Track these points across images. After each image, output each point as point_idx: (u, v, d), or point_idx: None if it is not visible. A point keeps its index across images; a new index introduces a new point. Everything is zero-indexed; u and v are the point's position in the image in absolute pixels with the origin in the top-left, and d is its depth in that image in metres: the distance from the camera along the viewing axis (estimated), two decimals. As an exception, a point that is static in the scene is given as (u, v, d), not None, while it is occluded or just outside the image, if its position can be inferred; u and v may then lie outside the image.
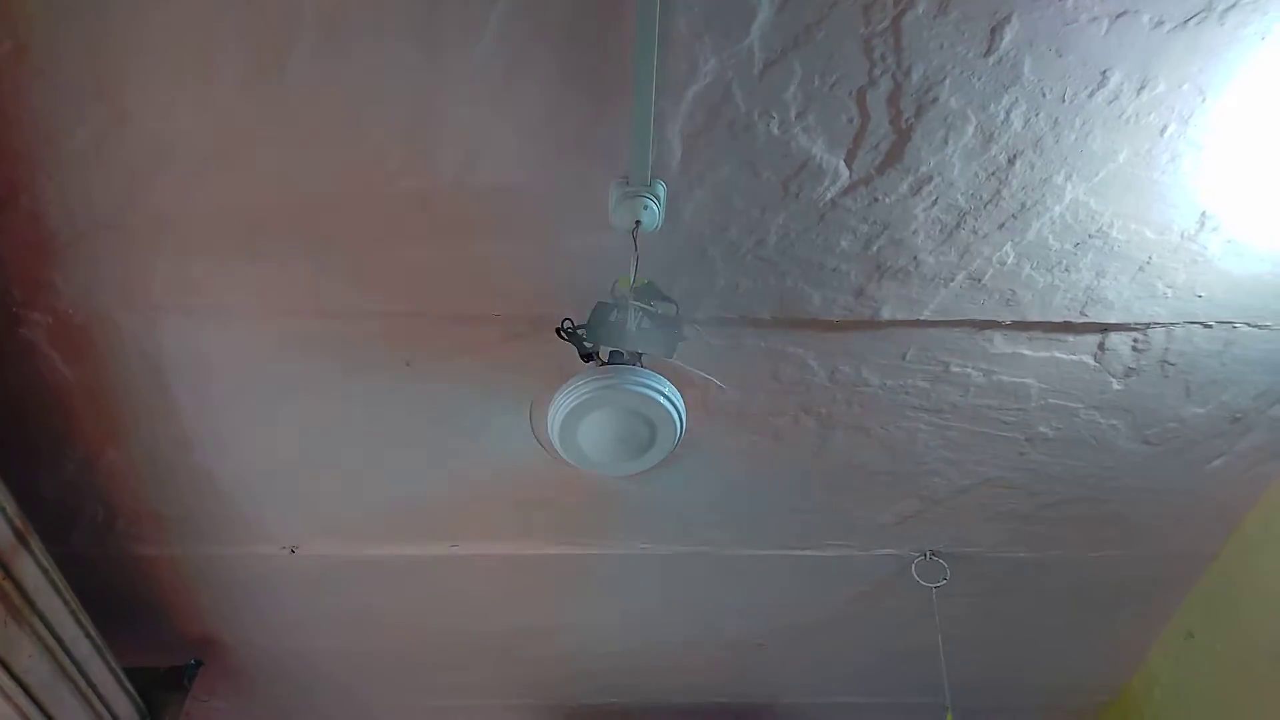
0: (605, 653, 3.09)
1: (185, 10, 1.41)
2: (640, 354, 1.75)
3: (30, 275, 1.78)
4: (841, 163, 1.65)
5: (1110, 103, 1.55)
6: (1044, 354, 2.04)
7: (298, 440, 2.19)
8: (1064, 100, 1.55)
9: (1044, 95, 1.54)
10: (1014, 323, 1.97)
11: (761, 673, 3.24)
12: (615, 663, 3.15)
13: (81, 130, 1.55)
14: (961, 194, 1.70)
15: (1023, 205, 1.72)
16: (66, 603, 2.03)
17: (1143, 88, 1.53)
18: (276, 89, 1.51)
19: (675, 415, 1.73)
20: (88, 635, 2.13)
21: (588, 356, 1.77)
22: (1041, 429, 2.23)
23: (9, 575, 1.81)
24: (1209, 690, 2.74)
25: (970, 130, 1.59)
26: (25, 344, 1.90)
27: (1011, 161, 1.64)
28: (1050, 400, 2.15)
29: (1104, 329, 1.99)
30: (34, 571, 1.90)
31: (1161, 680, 3.01)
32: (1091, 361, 2.06)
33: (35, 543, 1.90)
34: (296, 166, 1.63)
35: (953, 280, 1.87)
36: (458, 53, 1.47)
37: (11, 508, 1.82)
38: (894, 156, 1.64)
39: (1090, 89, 1.53)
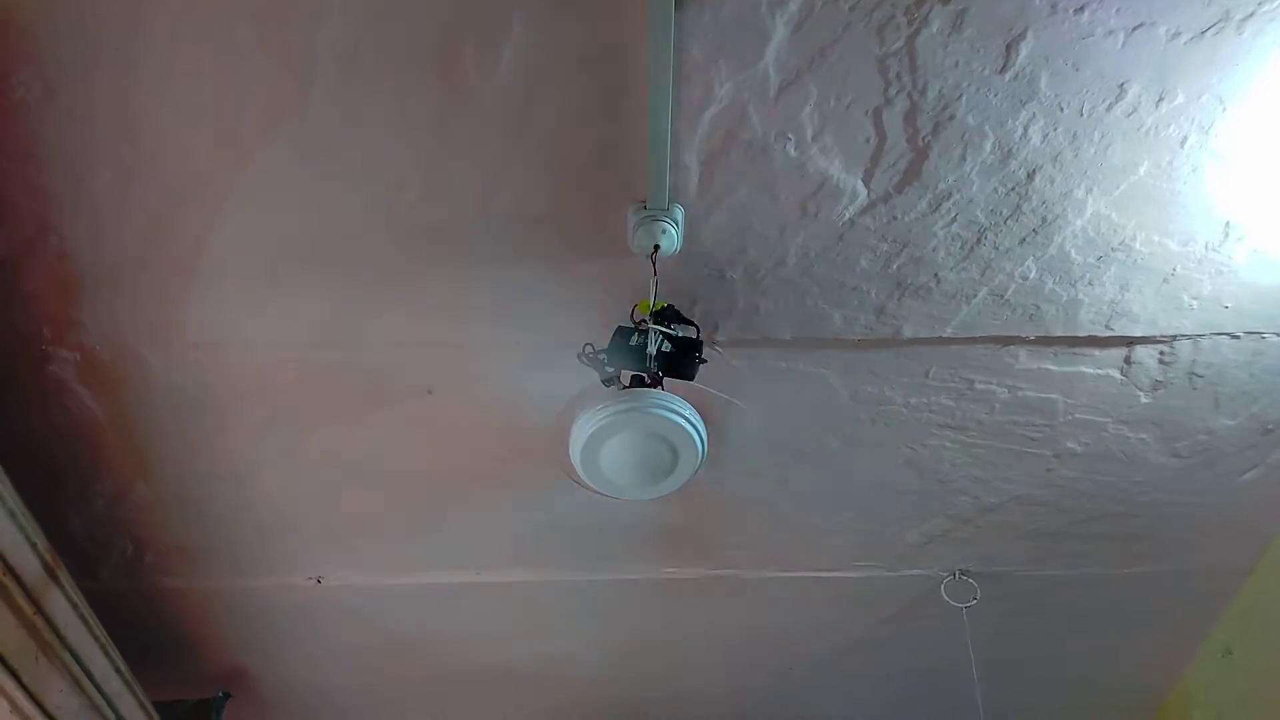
0: (632, 679, 3.07)
1: (207, 52, 1.44)
2: (661, 377, 1.75)
3: (59, 314, 1.81)
4: (859, 182, 1.65)
5: (1129, 115, 1.54)
6: (1070, 369, 2.02)
7: (322, 471, 2.20)
8: (1082, 114, 1.54)
9: (1062, 110, 1.53)
10: (1038, 338, 1.95)
11: (790, 697, 3.21)
12: (642, 689, 3.12)
13: (107, 171, 1.58)
14: (981, 210, 1.70)
15: (1043, 220, 1.71)
16: (96, 638, 2.03)
17: (1161, 99, 1.52)
18: (296, 125, 1.53)
19: (697, 438, 1.72)
20: (117, 670, 2.13)
21: (609, 381, 1.77)
22: (1069, 444, 2.21)
23: (40, 611, 1.82)
24: (1250, 709, 2.68)
25: (988, 146, 1.59)
26: (54, 381, 1.92)
27: (1031, 176, 1.64)
28: (1077, 415, 2.13)
29: (1130, 342, 1.97)
30: (64, 607, 1.91)
31: (1199, 699, 2.95)
32: (1118, 375, 2.04)
33: (65, 578, 1.91)
34: (317, 200, 1.65)
35: (975, 297, 1.86)
36: (474, 84, 1.49)
37: (42, 543, 1.83)
38: (912, 175, 1.64)
39: (1108, 102, 1.52)
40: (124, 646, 2.16)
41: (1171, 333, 1.94)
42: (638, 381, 1.77)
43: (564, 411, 2.04)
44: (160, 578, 2.47)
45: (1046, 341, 1.96)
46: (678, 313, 1.77)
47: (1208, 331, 1.94)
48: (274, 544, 2.39)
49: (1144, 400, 2.09)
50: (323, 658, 2.85)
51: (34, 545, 1.81)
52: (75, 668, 1.95)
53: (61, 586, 1.89)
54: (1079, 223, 1.72)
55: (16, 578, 1.75)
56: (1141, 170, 1.63)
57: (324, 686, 3.00)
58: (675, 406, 1.71)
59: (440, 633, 2.80)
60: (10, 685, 1.74)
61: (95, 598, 2.04)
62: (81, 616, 1.97)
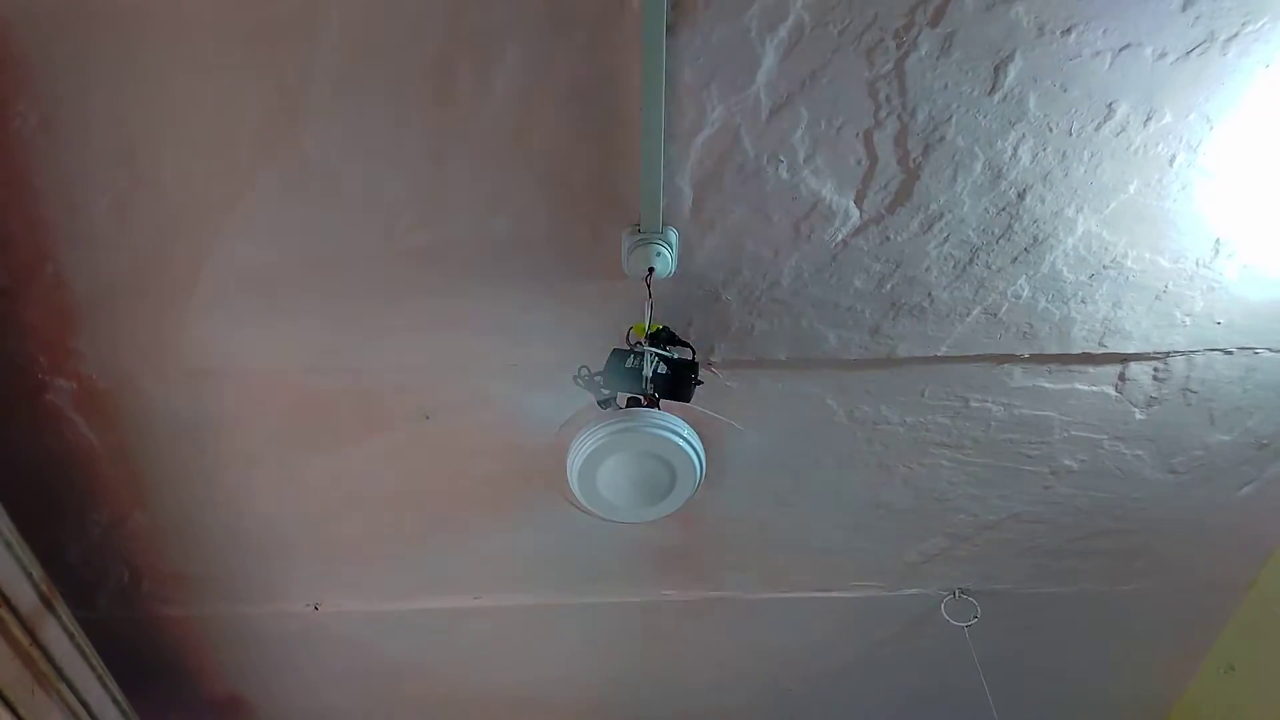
0: (630, 702, 3.05)
1: (202, 79, 1.45)
2: (657, 399, 1.75)
3: (55, 342, 1.81)
4: (851, 203, 1.66)
5: (1118, 135, 1.56)
6: (1064, 386, 2.02)
7: (319, 497, 2.19)
8: (1071, 134, 1.56)
9: (1051, 130, 1.55)
10: (1032, 356, 1.96)
11: (790, 718, 3.18)
12: (641, 712, 3.10)
13: (104, 199, 1.59)
14: (973, 230, 1.71)
15: (1035, 239, 1.72)
16: (93, 667, 2.02)
17: (1149, 119, 1.54)
18: (291, 151, 1.54)
19: (694, 458, 1.72)
20: (114, 700, 2.12)
21: (605, 403, 1.77)
22: (1066, 462, 2.21)
23: (36, 642, 1.81)
24: (1253, 724, 2.67)
25: (979, 167, 1.60)
26: (51, 410, 1.92)
27: (1021, 196, 1.65)
28: (1073, 432, 2.13)
29: (1124, 359, 1.97)
30: (61, 637, 1.90)
31: (1202, 715, 2.93)
32: (1113, 392, 2.04)
33: (61, 608, 1.90)
34: (313, 226, 1.66)
35: (968, 315, 1.87)
36: (468, 109, 1.50)
37: (38, 573, 1.83)
38: (903, 195, 1.65)
39: (1097, 122, 1.54)
40: (121, 675, 2.15)
41: (1165, 349, 1.95)
42: (634, 404, 1.77)
43: (561, 434, 2.04)
44: (157, 606, 2.45)
45: (1041, 359, 1.97)
46: (673, 335, 1.78)
47: (1201, 347, 1.95)
48: (271, 571, 2.38)
49: (1139, 417, 2.10)
50: (320, 684, 2.83)
51: (30, 575, 1.80)
52: (72, 699, 1.94)
53: (58, 616, 1.89)
54: (1070, 241, 1.73)
55: (12, 608, 1.74)
56: (1131, 189, 1.64)
57: (322, 713, 2.97)
58: (672, 426, 1.71)
59: (438, 658, 2.78)
60: (7, 718, 1.73)
61: (92, 627, 2.03)
62: (78, 646, 1.96)
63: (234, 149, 1.54)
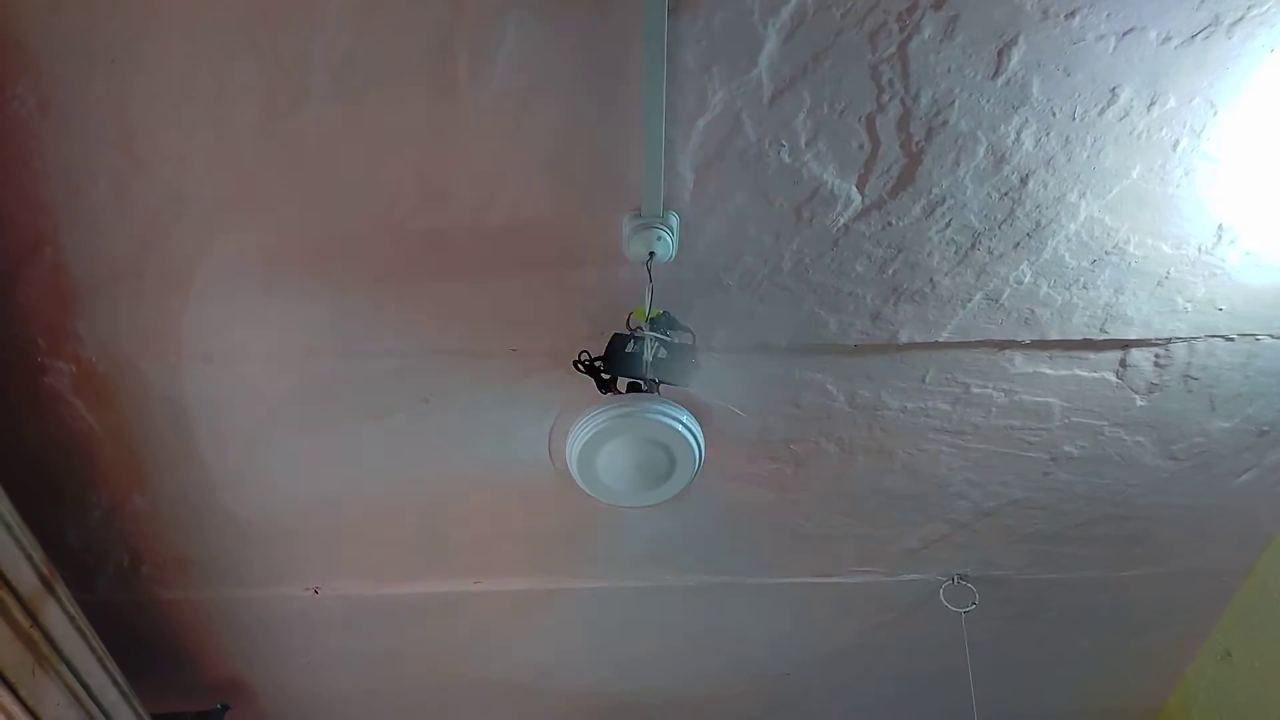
0: (629, 688, 3.06)
1: (202, 62, 1.44)
2: (658, 384, 1.75)
3: (54, 325, 1.80)
4: (853, 188, 1.65)
5: (1121, 119, 1.55)
6: (1065, 372, 2.02)
7: (319, 480, 2.19)
8: (1074, 119, 1.55)
9: (1054, 114, 1.54)
10: (1033, 342, 1.95)
11: (789, 703, 3.20)
12: (640, 698, 3.12)
13: (102, 181, 1.58)
14: (975, 215, 1.70)
15: (1037, 224, 1.72)
16: (93, 649, 2.03)
17: (1153, 103, 1.53)
18: (291, 134, 1.53)
19: (694, 443, 1.72)
20: (115, 682, 2.13)
21: (605, 388, 1.77)
22: (1066, 448, 2.21)
23: (36, 623, 1.81)
24: (1250, 711, 2.68)
25: (981, 152, 1.59)
26: (50, 393, 1.92)
27: (1024, 181, 1.64)
28: (1073, 419, 2.13)
29: (1125, 345, 1.97)
30: (61, 619, 1.90)
31: (1200, 701, 2.95)
32: (1114, 378, 2.04)
33: (62, 590, 1.90)
34: (312, 209, 1.65)
35: (970, 301, 1.86)
36: (469, 93, 1.49)
37: (39, 555, 1.83)
38: (906, 180, 1.64)
39: (1100, 106, 1.53)
40: (121, 658, 2.15)
41: (1166, 335, 1.95)
42: (634, 389, 1.77)
43: (560, 419, 2.04)
44: (157, 589, 2.46)
45: (1042, 345, 1.97)
46: (674, 319, 1.77)
47: (1202, 334, 1.95)
48: (271, 554, 2.39)
49: (1140, 403, 2.10)
50: (321, 668, 2.85)
51: (30, 558, 1.80)
52: (72, 680, 1.94)
53: (58, 599, 1.89)
54: (1073, 227, 1.72)
55: (13, 590, 1.75)
56: (1134, 174, 1.64)
57: (322, 696, 2.99)
58: (672, 411, 1.71)
59: (438, 642, 2.80)
60: (8, 699, 1.73)
61: (92, 609, 2.03)
62: (78, 629, 1.97)
63: (233, 132, 1.53)
